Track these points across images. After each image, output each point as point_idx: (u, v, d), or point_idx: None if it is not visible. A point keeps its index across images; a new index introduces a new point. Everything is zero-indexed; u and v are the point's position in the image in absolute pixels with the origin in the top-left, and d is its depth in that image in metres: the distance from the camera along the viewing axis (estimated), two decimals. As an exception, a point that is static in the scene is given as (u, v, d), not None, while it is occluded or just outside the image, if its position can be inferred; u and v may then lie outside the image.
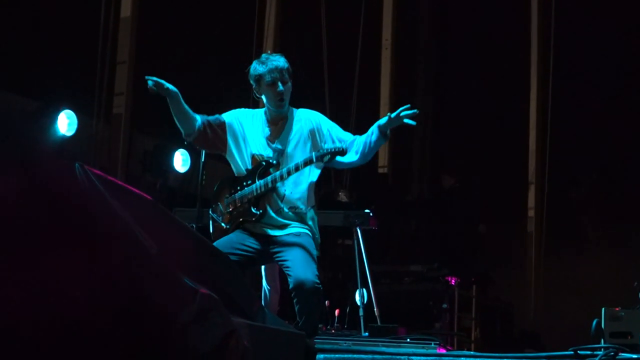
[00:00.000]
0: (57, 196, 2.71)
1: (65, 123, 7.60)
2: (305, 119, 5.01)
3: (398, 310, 7.91)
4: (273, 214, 4.89)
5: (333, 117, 9.63)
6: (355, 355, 4.66)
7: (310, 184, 4.96)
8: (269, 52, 5.26)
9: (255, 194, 4.89)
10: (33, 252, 2.59)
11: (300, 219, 4.91)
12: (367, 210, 6.71)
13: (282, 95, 4.92)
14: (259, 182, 4.88)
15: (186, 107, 4.96)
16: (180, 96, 4.93)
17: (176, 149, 8.01)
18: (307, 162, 4.82)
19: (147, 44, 8.98)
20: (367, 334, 6.18)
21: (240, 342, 3.02)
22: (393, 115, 4.85)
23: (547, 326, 8.92)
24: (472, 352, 6.38)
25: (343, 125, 9.75)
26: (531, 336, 8.80)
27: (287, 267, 4.75)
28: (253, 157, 4.96)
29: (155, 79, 4.87)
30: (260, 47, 9.92)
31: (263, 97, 5.02)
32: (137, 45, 8.93)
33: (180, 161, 8.10)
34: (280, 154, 4.92)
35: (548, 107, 9.60)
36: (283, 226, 4.88)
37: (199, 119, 4.98)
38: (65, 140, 7.62)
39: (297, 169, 4.82)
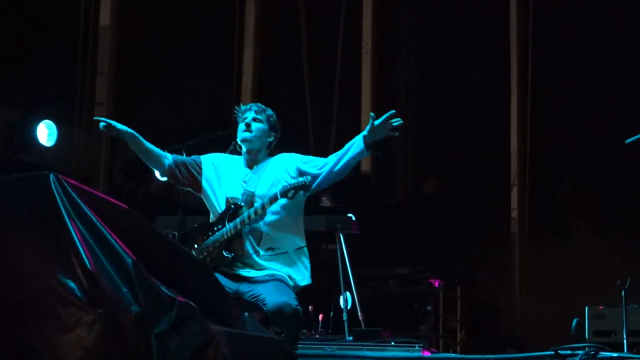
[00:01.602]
0: None
1: (45, 133, 7.59)
2: (279, 162, 4.95)
3: (383, 313, 7.93)
4: (251, 256, 4.84)
5: (314, 123, 9.74)
6: (336, 360, 4.66)
7: (292, 223, 4.91)
8: None
9: (225, 237, 4.85)
10: None
11: (283, 260, 4.86)
12: (349, 215, 6.70)
13: (249, 126, 4.93)
14: (228, 226, 4.85)
15: (149, 145, 4.96)
16: (139, 136, 4.92)
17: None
18: (272, 200, 4.76)
19: (127, 52, 8.98)
20: (351, 338, 6.18)
21: (219, 350, 3.01)
22: (377, 122, 4.73)
23: (532, 326, 8.94)
24: (452, 355, 6.40)
25: (325, 131, 9.77)
26: (516, 336, 8.82)
27: (262, 299, 4.66)
28: (226, 200, 4.95)
29: (105, 120, 4.85)
30: (240, 53, 9.93)
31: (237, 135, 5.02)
32: (117, 53, 8.92)
33: (162, 169, 8.08)
34: (250, 196, 4.88)
35: (528, 108, 9.63)
36: (260, 268, 4.83)
37: (169, 158, 4.99)
38: (46, 150, 7.61)
39: (263, 208, 4.78)
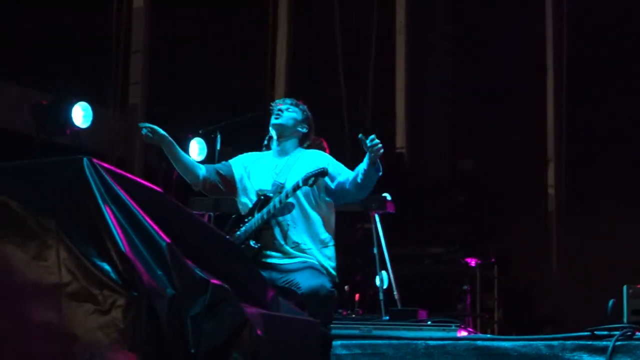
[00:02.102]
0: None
1: (81, 115, 7.60)
2: (312, 157, 4.96)
3: (420, 293, 7.90)
4: (283, 245, 4.84)
5: (349, 105, 9.69)
6: (371, 341, 4.64)
7: (317, 219, 4.89)
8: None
9: (254, 227, 4.87)
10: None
11: (309, 255, 4.84)
12: (384, 194, 6.65)
13: (279, 113, 4.97)
14: (256, 216, 4.87)
15: (184, 155, 4.98)
16: (176, 145, 4.91)
17: (192, 138, 8.01)
18: (295, 188, 4.77)
19: (160, 33, 8.98)
20: (387, 317, 6.16)
21: (254, 332, 3.02)
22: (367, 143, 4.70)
23: (570, 305, 8.86)
24: (488, 335, 6.36)
25: (360, 112, 9.74)
26: (554, 316, 8.77)
27: (296, 283, 4.66)
28: (257, 193, 4.98)
29: (150, 125, 4.82)
30: (274, 33, 9.91)
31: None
32: (151, 34, 8.92)
33: (197, 150, 8.10)
34: (280, 187, 4.89)
35: (563, 83, 9.53)
36: (292, 256, 4.83)
37: (203, 169, 5.00)
38: (82, 132, 7.64)
39: (287, 196, 4.79)
